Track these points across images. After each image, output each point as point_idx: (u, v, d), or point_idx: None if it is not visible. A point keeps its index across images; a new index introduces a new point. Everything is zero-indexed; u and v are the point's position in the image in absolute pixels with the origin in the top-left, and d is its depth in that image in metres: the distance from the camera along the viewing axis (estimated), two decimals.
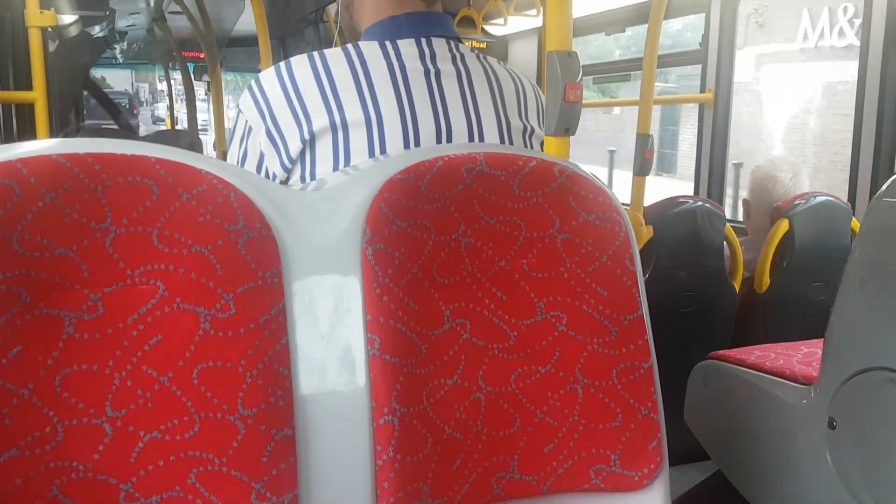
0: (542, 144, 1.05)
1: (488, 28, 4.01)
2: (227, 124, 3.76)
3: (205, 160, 0.70)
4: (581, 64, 0.98)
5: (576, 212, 0.82)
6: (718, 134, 3.03)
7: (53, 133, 2.46)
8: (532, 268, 0.81)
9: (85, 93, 5.64)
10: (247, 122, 0.98)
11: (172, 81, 8.25)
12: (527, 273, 0.81)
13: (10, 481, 0.62)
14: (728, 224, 2.12)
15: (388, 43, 0.97)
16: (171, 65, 7.71)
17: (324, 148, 0.94)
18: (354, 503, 0.71)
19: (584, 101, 0.99)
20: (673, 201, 2.09)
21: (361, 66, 0.94)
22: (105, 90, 6.73)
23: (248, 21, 3.59)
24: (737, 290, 2.14)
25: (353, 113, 0.92)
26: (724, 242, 2.12)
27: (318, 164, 0.94)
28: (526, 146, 1.05)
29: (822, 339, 1.26)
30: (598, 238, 0.82)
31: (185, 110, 4.87)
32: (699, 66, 3.09)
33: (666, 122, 14.45)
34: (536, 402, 0.81)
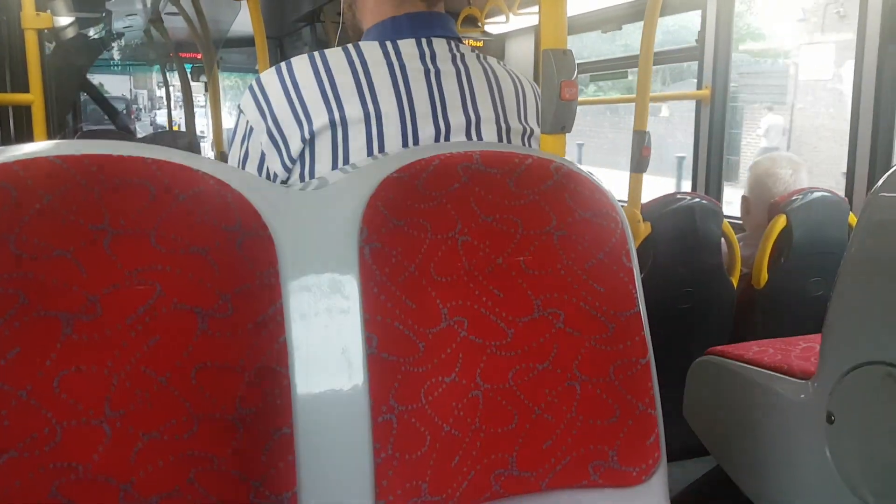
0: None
1: (486, 26, 4.01)
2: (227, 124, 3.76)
3: (201, 161, 0.70)
4: (576, 61, 0.99)
5: (572, 209, 0.82)
6: (716, 130, 3.04)
7: (51, 135, 2.46)
8: (529, 265, 0.82)
9: (83, 96, 5.66)
10: (248, 122, 0.98)
11: (171, 86, 8.23)
12: (524, 270, 0.82)
13: (10, 482, 0.62)
14: (725, 220, 2.12)
15: (388, 43, 0.97)
16: (168, 66, 7.71)
17: (323, 146, 0.94)
18: (354, 501, 0.71)
19: (581, 99, 0.99)
20: (670, 197, 2.09)
21: (362, 66, 0.95)
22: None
23: (244, 21, 3.59)
24: (735, 285, 2.14)
25: (353, 110, 0.93)
26: (722, 239, 2.12)
27: (317, 162, 0.94)
28: None
29: (821, 334, 1.26)
30: (595, 235, 0.82)
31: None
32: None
33: (728, 124, 14.22)
34: (534, 399, 0.81)
